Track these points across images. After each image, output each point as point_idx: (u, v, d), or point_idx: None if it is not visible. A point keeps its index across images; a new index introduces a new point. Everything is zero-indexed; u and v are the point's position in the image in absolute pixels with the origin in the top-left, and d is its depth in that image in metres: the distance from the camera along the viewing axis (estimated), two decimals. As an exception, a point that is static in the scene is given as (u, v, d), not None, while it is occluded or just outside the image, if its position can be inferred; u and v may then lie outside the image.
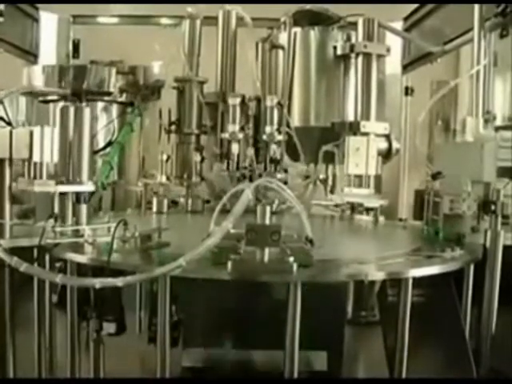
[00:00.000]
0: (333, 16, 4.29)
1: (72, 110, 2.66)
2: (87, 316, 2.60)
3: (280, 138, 4.13)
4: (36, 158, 2.58)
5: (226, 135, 4.22)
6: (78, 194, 2.67)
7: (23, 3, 4.57)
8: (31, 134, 2.57)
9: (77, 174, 2.66)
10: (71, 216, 2.67)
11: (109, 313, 2.53)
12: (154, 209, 4.09)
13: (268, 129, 4.14)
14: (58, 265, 2.64)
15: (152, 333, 2.48)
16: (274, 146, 4.12)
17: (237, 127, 4.20)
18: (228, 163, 4.19)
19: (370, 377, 2.96)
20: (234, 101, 4.23)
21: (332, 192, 4.18)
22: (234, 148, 4.18)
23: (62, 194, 2.65)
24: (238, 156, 4.19)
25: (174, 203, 4.32)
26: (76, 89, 2.78)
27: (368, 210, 3.92)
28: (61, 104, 2.82)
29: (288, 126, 4.17)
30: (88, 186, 2.69)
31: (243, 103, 4.29)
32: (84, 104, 2.71)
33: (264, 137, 4.14)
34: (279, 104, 4.15)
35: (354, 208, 3.98)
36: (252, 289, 2.41)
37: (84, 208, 2.69)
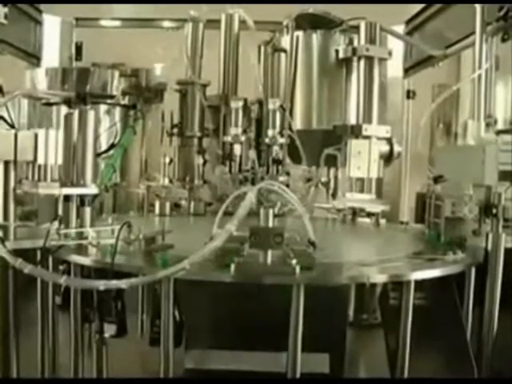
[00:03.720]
0: (335, 19, 4.30)
1: (76, 112, 2.68)
2: (89, 318, 2.61)
3: (282, 140, 4.14)
4: (40, 160, 2.60)
5: (228, 138, 4.23)
6: (82, 197, 2.69)
7: (26, 3, 4.58)
8: (36, 136, 2.58)
9: (81, 176, 2.68)
10: (75, 218, 2.69)
11: (109, 315, 2.54)
12: (157, 211, 4.11)
13: (270, 132, 4.15)
14: (61, 267, 2.66)
15: (154, 334, 2.49)
16: (276, 148, 4.13)
17: (239, 130, 4.22)
18: (230, 166, 4.20)
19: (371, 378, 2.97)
20: (236, 104, 4.24)
21: (334, 196, 4.19)
22: (237, 150, 4.18)
23: (67, 197, 2.67)
24: (241, 158, 4.20)
25: (176, 206, 4.34)
26: (80, 92, 2.79)
27: (370, 214, 3.93)
28: (64, 107, 2.84)
29: (290, 128, 4.18)
30: (92, 189, 2.71)
31: (245, 106, 4.30)
32: (88, 107, 2.72)
33: (266, 140, 4.15)
34: (281, 107, 4.16)
35: (356, 213, 3.99)
36: (255, 290, 2.41)
37: (88, 210, 2.70)
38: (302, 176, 4.18)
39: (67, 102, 2.80)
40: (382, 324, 3.19)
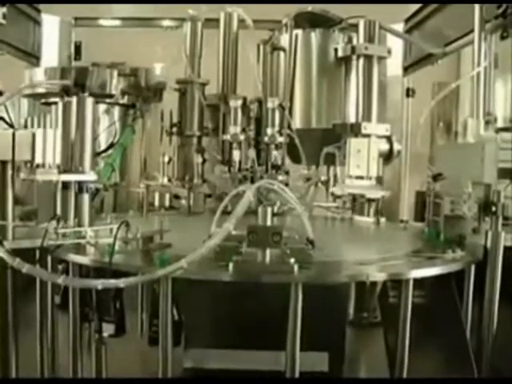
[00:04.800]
0: (334, 18, 4.29)
1: (74, 100, 2.68)
2: (88, 317, 2.61)
3: (281, 139, 4.14)
4: (38, 159, 2.60)
5: (227, 137, 4.24)
6: (80, 184, 2.69)
7: (24, 3, 4.58)
8: (33, 136, 2.58)
9: (79, 163, 2.68)
10: (73, 216, 2.69)
11: (108, 314, 2.54)
12: (156, 203, 4.13)
13: (269, 131, 4.15)
14: (60, 266, 2.66)
15: (152, 333, 2.49)
16: (275, 153, 4.12)
17: (238, 129, 4.22)
18: (229, 165, 4.19)
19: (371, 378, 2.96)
20: (235, 103, 4.24)
21: (333, 194, 4.18)
22: (236, 150, 4.18)
23: (65, 185, 2.66)
24: (240, 158, 4.19)
25: (176, 198, 4.35)
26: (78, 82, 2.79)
27: (370, 200, 3.90)
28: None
29: (289, 127, 4.18)
30: (90, 176, 2.71)
31: (245, 105, 4.30)
32: (86, 94, 2.72)
33: (265, 139, 4.15)
34: (280, 106, 4.15)
35: (356, 199, 3.97)
36: (254, 289, 2.41)
37: (86, 197, 2.70)
38: (302, 175, 4.18)
39: (66, 92, 2.79)
40: (381, 323, 3.19)
